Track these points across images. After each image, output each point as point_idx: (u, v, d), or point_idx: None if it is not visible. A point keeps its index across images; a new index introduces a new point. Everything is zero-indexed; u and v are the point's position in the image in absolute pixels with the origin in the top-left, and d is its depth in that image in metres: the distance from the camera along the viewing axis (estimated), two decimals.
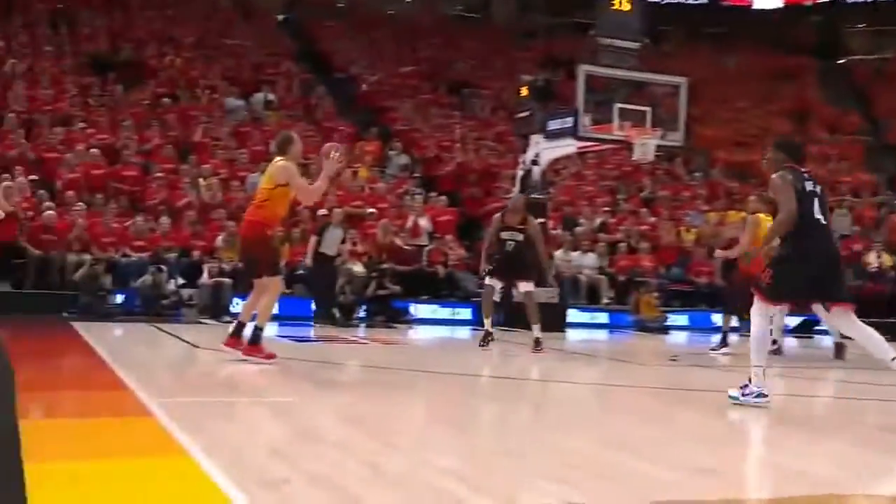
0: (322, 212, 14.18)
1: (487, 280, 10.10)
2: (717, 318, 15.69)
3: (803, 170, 6.01)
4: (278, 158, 7.56)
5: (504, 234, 9.92)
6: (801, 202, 5.81)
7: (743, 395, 5.99)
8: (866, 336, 5.79)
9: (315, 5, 24.91)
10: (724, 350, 10.67)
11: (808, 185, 5.91)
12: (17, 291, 12.47)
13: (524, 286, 10.00)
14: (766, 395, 5.95)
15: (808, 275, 5.81)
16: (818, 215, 5.86)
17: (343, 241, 13.74)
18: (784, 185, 5.82)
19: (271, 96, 19.02)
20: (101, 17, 20.71)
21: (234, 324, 7.79)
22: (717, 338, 11.08)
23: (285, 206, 7.72)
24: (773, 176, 5.94)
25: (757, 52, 28.57)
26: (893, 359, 5.63)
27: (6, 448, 0.89)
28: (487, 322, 10.14)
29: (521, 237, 9.82)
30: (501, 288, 10.49)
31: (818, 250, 5.83)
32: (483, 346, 9.88)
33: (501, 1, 29.14)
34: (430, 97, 21.43)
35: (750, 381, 5.99)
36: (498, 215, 10.28)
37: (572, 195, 18.04)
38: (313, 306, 13.47)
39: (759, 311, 6.00)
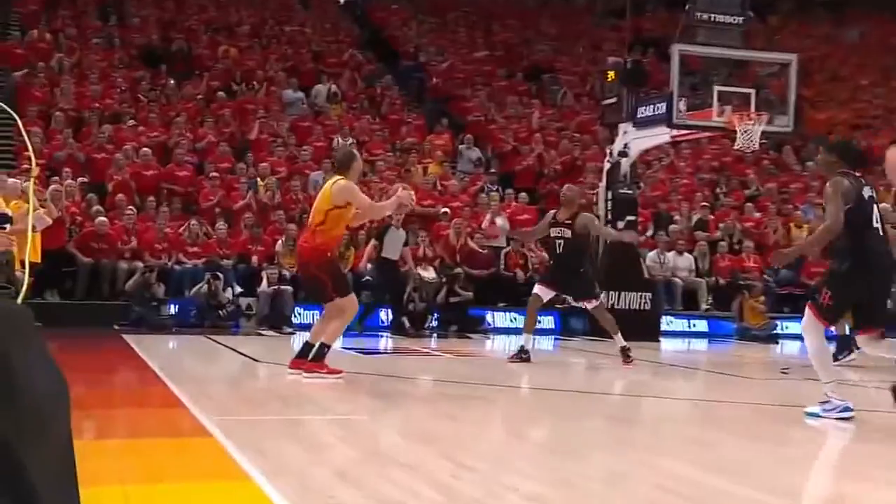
0: None
1: (536, 288, 9.99)
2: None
3: (859, 174, 6.20)
4: (337, 177, 7.61)
5: (553, 231, 9.75)
6: (859, 211, 6.01)
7: (824, 410, 6.07)
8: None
9: None
10: (850, 358, 10.37)
11: (867, 192, 6.11)
12: (66, 302, 12.89)
13: (585, 305, 9.87)
14: (850, 409, 6.05)
15: (864, 294, 6.12)
16: (876, 224, 6.09)
17: (406, 244, 13.83)
18: (834, 194, 6.03)
19: (333, 88, 19.28)
20: (152, 7, 21.31)
21: (302, 344, 7.93)
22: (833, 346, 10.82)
23: (343, 226, 7.83)
24: (827, 182, 6.19)
25: (880, 22, 27.80)
26: None
27: (63, 469, 0.93)
28: (526, 337, 9.80)
29: (568, 233, 9.67)
30: (553, 298, 10.35)
31: (878, 266, 6.09)
32: (513, 360, 9.65)
33: None
34: (506, 84, 21.44)
35: (828, 397, 6.08)
36: (553, 210, 10.20)
37: (666, 190, 17.83)
38: (383, 315, 13.60)
39: (813, 329, 6.19)
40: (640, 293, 13.76)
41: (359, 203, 7.58)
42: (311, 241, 7.62)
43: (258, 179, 15.32)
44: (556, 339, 13.94)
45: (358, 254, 14.28)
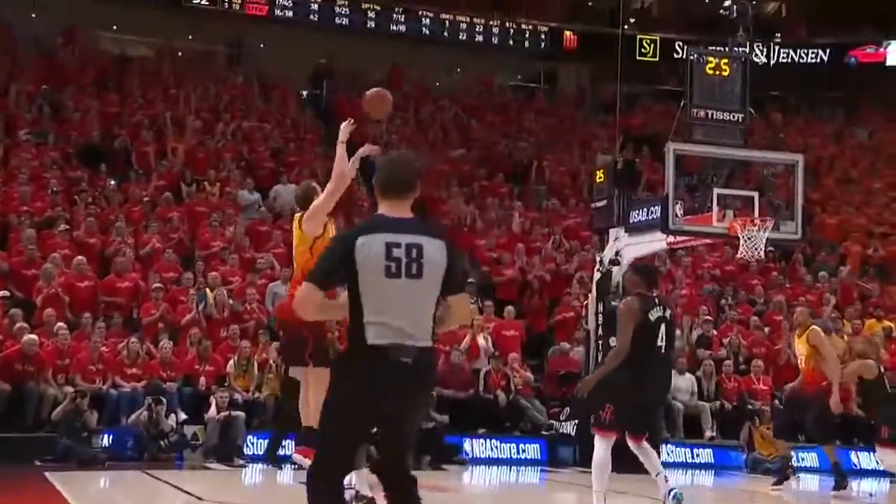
0: None
1: None
2: (858, 457, 15.36)
3: (654, 294, 7.83)
4: (299, 213, 7.52)
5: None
6: (645, 330, 7.61)
7: None
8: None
9: (346, 78, 25.67)
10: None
11: (654, 313, 7.68)
12: None
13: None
14: None
15: (637, 404, 7.76)
16: (660, 343, 7.70)
17: None
18: (624, 316, 7.77)
19: (294, 187, 19.45)
20: (92, 99, 21.55)
21: (303, 430, 7.53)
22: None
23: None
24: (622, 303, 7.95)
25: (893, 119, 28.54)
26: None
27: None
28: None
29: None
30: None
31: (650, 381, 7.80)
32: None
33: (570, 68, 29.74)
34: (486, 185, 21.73)
35: None
36: None
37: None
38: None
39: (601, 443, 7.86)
40: None
41: (316, 201, 7.29)
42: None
43: (207, 290, 15.31)
44: (542, 470, 13.80)
45: None
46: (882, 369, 11.69)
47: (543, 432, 14.92)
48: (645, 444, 7.93)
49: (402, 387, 4.18)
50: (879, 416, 11.56)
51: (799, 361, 11.77)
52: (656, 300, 7.82)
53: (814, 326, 11.67)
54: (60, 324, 13.78)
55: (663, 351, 7.76)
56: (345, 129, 7.42)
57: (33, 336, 13.19)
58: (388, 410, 4.21)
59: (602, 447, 7.81)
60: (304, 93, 26.43)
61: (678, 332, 16.72)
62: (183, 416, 13.30)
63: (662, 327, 7.70)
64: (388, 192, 4.40)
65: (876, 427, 11.76)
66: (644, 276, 8.00)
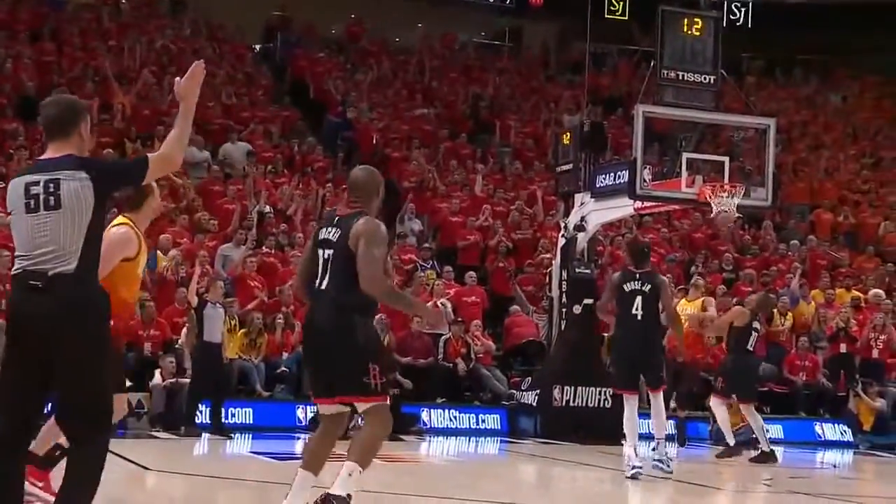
0: None
1: None
2: (823, 428, 15.66)
3: (637, 270, 9.82)
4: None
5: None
6: (621, 300, 9.82)
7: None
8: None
9: (302, 33, 25.42)
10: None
11: (629, 286, 9.74)
12: None
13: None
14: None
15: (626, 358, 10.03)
16: (635, 311, 9.70)
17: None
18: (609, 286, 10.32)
19: (247, 146, 19.31)
20: (27, 48, 21.11)
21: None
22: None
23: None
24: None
25: (869, 83, 28.75)
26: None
27: None
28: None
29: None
30: None
31: (626, 338, 10.06)
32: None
33: (536, 26, 29.66)
34: (449, 145, 21.69)
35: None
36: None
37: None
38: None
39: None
40: (598, 388, 13.76)
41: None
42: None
43: (159, 252, 15.15)
44: (502, 441, 13.90)
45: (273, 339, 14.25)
46: (756, 325, 12.51)
47: (504, 402, 15.01)
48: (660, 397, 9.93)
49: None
50: (724, 369, 12.52)
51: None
52: (637, 275, 9.77)
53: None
54: None
55: (639, 318, 9.70)
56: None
57: None
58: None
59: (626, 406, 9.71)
60: (257, 47, 26.10)
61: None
62: (127, 382, 13.16)
63: (639, 299, 9.65)
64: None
65: (715, 376, 12.75)
66: (630, 254, 10.64)
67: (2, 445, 4.47)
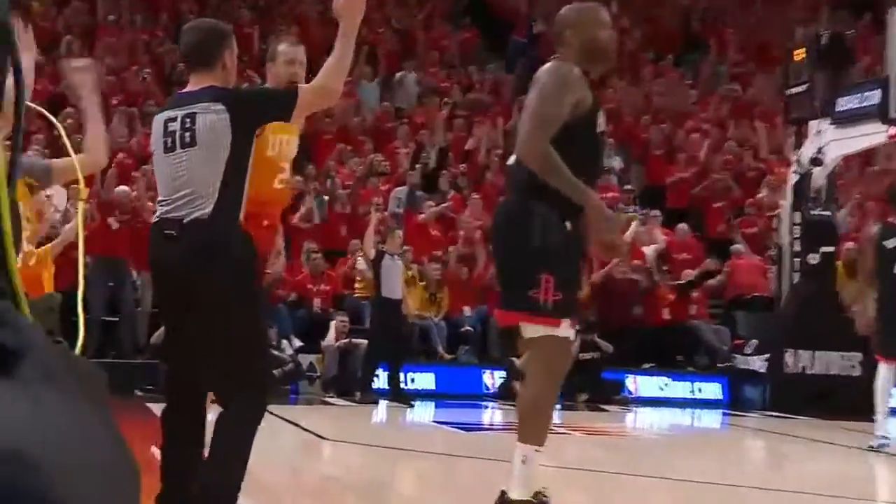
0: None
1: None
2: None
3: None
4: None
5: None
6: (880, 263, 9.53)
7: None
8: None
9: None
10: None
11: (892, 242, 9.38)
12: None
13: None
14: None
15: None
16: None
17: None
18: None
19: (413, 75, 19.46)
20: None
21: None
22: None
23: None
24: None
25: None
26: None
27: None
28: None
29: None
30: None
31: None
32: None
33: None
34: (652, 67, 21.40)
35: None
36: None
37: (880, 211, 17.42)
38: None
39: None
40: (842, 353, 13.46)
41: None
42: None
43: (323, 195, 15.41)
44: (724, 413, 13.76)
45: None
46: None
47: (719, 365, 14.76)
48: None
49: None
50: None
51: None
52: None
53: None
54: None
55: None
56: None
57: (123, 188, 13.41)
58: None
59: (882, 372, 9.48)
60: None
61: None
62: (297, 342, 13.57)
63: None
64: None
65: None
66: (891, 200, 9.80)
67: (181, 393, 4.64)
